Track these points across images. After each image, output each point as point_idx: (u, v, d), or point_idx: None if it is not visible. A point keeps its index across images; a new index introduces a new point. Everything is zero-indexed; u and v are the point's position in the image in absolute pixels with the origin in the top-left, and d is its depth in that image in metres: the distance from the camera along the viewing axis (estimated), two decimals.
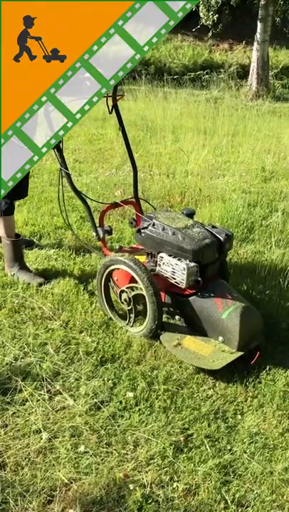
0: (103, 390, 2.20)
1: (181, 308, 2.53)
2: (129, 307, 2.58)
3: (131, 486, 1.76)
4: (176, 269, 2.44)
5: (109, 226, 2.89)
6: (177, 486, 1.78)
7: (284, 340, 2.60)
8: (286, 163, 6.13)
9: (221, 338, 2.36)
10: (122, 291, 2.60)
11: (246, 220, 4.17)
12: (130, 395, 2.17)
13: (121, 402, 2.13)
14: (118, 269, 2.59)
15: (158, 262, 2.54)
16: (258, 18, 11.09)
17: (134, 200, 3.06)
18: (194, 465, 1.86)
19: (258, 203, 4.66)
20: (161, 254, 2.52)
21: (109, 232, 2.86)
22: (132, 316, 2.58)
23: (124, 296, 2.59)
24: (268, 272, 3.24)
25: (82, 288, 3.00)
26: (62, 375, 2.28)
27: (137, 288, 2.51)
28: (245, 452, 1.92)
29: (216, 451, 1.92)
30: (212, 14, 11.00)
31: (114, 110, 2.92)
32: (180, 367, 2.37)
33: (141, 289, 2.47)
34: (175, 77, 13.43)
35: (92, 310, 2.78)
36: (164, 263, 2.51)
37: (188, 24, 14.77)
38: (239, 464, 1.88)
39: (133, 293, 2.53)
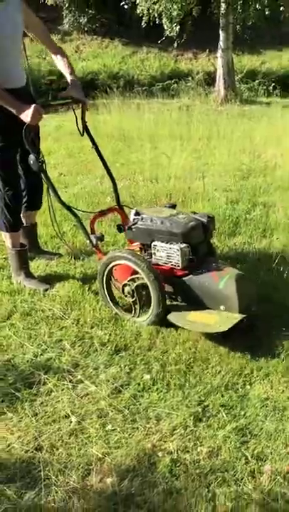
0: (121, 375, 2.37)
1: (181, 289, 2.71)
2: (134, 298, 2.75)
3: (160, 454, 1.93)
4: (170, 253, 2.67)
5: (101, 233, 3.09)
6: (201, 449, 1.95)
7: (278, 315, 2.80)
8: (261, 161, 6.42)
9: (222, 307, 2.54)
10: (125, 285, 2.77)
11: (231, 215, 4.40)
12: (147, 377, 2.34)
13: (139, 384, 2.31)
14: (117, 265, 2.78)
15: (152, 251, 2.76)
16: (219, 27, 11.51)
17: (117, 207, 3.25)
18: (214, 431, 2.04)
19: (239, 199, 4.92)
20: (154, 243, 2.75)
21: (101, 238, 3.04)
22: (138, 306, 2.76)
23: (127, 289, 2.76)
24: (258, 259, 3.47)
25: (86, 289, 3.17)
26: (82, 366, 2.44)
27: (138, 278, 2.69)
28: (258, 415, 2.11)
29: (231, 417, 2.11)
30: (175, 25, 11.35)
31: (86, 131, 3.09)
32: (189, 348, 2.55)
33: (142, 279, 2.66)
34: (144, 88, 13.79)
35: (99, 307, 2.95)
36: (158, 250, 2.73)
37: (151, 36, 15.22)
38: (254, 425, 2.07)
39: (135, 284, 2.71)
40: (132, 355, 2.51)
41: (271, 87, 14.31)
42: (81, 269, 3.46)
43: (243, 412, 2.14)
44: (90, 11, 16.91)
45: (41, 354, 2.54)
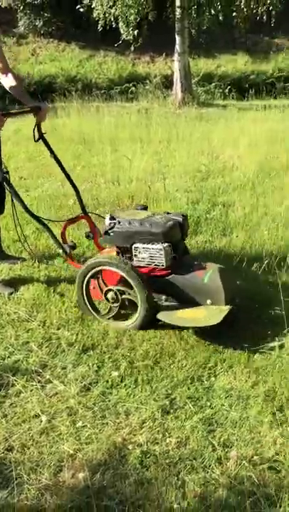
0: (89, 373, 2.40)
1: (165, 288, 2.73)
2: (117, 304, 2.76)
3: (130, 447, 1.98)
4: (153, 253, 2.69)
5: (72, 241, 3.09)
6: (170, 440, 2.02)
7: (241, 308, 2.90)
8: (219, 162, 6.59)
9: (208, 301, 2.60)
10: (108, 291, 2.77)
11: (192, 215, 4.50)
12: (115, 374, 2.39)
13: (108, 381, 2.35)
14: (100, 272, 2.77)
15: (134, 254, 2.75)
16: (175, 31, 11.71)
17: (83, 215, 3.27)
18: (181, 422, 2.11)
19: (199, 199, 5.04)
20: (135, 245, 2.74)
21: (74, 247, 3.06)
22: (118, 310, 2.78)
23: (110, 294, 2.76)
24: (221, 256, 3.58)
25: (51, 291, 3.19)
26: (50, 366, 2.46)
27: (122, 284, 2.70)
28: (223, 405, 2.20)
29: (198, 408, 2.18)
30: (132, 29, 11.47)
31: (42, 140, 3.09)
32: (156, 344, 2.62)
33: (125, 285, 2.67)
34: (103, 91, 13.84)
35: (65, 308, 2.97)
36: (139, 252, 2.73)
37: (108, 40, 15.29)
38: (220, 415, 2.15)
39: (119, 288, 2.72)
40: (100, 354, 2.55)
41: (227, 90, 14.68)
42: (45, 272, 3.47)
43: (208, 403, 2.21)
44: (46, 14, 16.82)
45: (8, 356, 2.54)
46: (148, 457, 1.94)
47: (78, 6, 13.54)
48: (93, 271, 2.77)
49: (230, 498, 1.77)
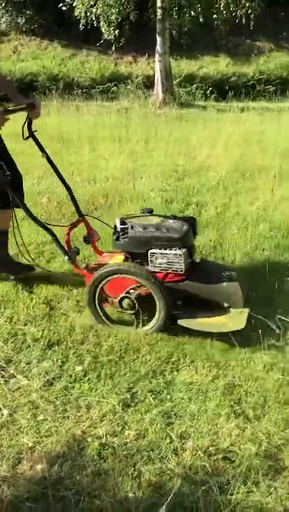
0: (53, 368, 2.43)
1: (182, 293, 2.68)
2: (134, 310, 2.69)
3: (89, 439, 2.02)
4: (171, 259, 2.65)
5: (75, 247, 3.01)
6: (129, 433, 2.06)
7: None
8: (196, 162, 6.66)
9: (226, 304, 2.63)
10: (123, 298, 2.69)
11: (166, 214, 4.55)
12: (79, 368, 2.42)
13: (71, 376, 2.38)
14: (110, 280, 2.69)
15: (150, 259, 2.69)
16: (156, 32, 11.77)
17: (82, 218, 3.11)
18: (141, 415, 2.15)
19: (174, 199, 5.10)
20: (151, 251, 2.68)
21: (78, 252, 3.01)
22: (140, 317, 2.71)
23: (126, 302, 2.69)
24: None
25: (20, 288, 3.20)
26: (14, 361, 2.49)
27: (138, 289, 2.67)
28: (183, 399, 2.25)
29: (158, 401, 2.23)
30: (113, 29, 11.50)
31: (32, 138, 2.96)
32: (122, 340, 2.66)
33: (142, 289, 2.64)
34: (84, 90, 13.84)
35: (33, 305, 3.00)
36: (156, 258, 2.68)
37: (90, 39, 15.28)
38: (179, 408, 2.20)
39: (136, 295, 2.66)
40: (65, 349, 2.58)
41: (208, 91, 14.81)
42: None
43: (169, 396, 2.26)
44: (28, 12, 16.74)
45: None
46: (106, 449, 1.98)
47: (60, 5, 13.52)
48: (108, 279, 2.69)
49: (184, 487, 1.82)
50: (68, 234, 2.97)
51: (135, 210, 4.70)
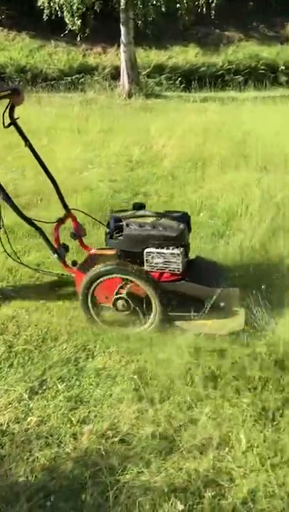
0: None
1: (178, 293, 2.61)
2: (130, 310, 2.63)
3: None
4: (168, 258, 2.55)
5: (64, 243, 2.87)
6: (31, 419, 2.08)
7: None
8: (152, 152, 6.66)
9: (222, 304, 2.55)
10: (117, 299, 2.62)
11: (111, 204, 4.57)
12: None
13: None
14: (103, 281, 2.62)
15: (146, 259, 2.58)
16: (120, 22, 11.70)
17: (69, 213, 2.94)
18: (47, 401, 2.18)
19: (122, 189, 5.11)
20: (147, 250, 2.56)
21: (67, 249, 2.88)
22: (140, 315, 2.64)
23: (120, 303, 2.63)
24: None
25: None
26: None
27: (131, 289, 2.60)
28: (91, 384, 2.28)
29: (66, 387, 2.26)
30: (76, 19, 11.38)
31: (14, 126, 2.77)
32: (41, 330, 2.67)
33: (136, 289, 2.58)
34: (52, 82, 13.71)
35: None
36: (153, 257, 2.57)
37: (57, 30, 15.09)
38: (85, 393, 2.23)
39: (130, 295, 2.60)
40: None
41: (178, 82, 14.80)
42: None
43: (78, 383, 2.29)
44: None
45: None
46: (5, 436, 2.00)
47: None
48: (101, 279, 2.62)
49: (75, 469, 1.85)
50: (57, 230, 2.82)
51: (82, 200, 4.72)
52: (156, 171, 5.72)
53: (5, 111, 2.73)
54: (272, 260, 3.41)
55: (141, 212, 2.74)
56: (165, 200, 4.71)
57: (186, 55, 16.24)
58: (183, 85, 14.54)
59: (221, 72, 15.46)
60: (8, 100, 2.73)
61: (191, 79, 14.91)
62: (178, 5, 11.71)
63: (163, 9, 11.25)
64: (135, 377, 2.29)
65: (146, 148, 6.85)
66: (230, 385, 2.26)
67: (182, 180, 5.34)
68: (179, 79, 14.87)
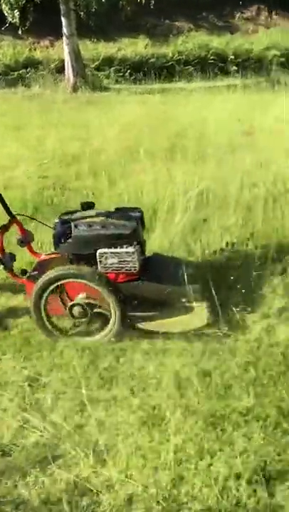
0: None
1: (136, 293, 2.50)
2: (87, 317, 2.49)
3: None
4: (123, 257, 2.43)
5: (10, 252, 2.74)
6: None
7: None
8: (90, 146, 6.54)
9: (183, 300, 2.48)
10: (73, 306, 2.48)
11: (35, 202, 4.45)
12: None
13: None
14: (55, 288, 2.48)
15: (99, 260, 2.45)
16: (60, 14, 11.47)
17: (13, 219, 2.81)
18: None
19: (51, 186, 4.99)
20: (100, 251, 2.44)
21: (14, 258, 2.74)
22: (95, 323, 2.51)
23: (77, 309, 2.48)
24: None
25: None
26: None
27: (90, 295, 2.47)
28: None
29: None
30: (16, 12, 11.08)
31: None
32: None
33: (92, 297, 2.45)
34: None
35: None
36: (106, 257, 2.44)
37: (1, 24, 14.69)
38: None
39: (87, 301, 2.47)
40: None
41: (127, 74, 14.69)
42: None
43: None
44: None
45: None
46: None
47: None
48: (53, 286, 2.45)
49: None
50: (1, 238, 2.68)
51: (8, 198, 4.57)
52: (91, 166, 5.60)
53: None
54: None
55: (89, 212, 2.61)
56: (93, 195, 4.60)
57: (136, 47, 16.10)
58: (132, 77, 14.44)
59: (170, 63, 15.41)
60: None
61: (140, 71, 14.84)
62: None
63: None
64: (25, 384, 2.20)
65: (85, 143, 6.73)
66: (126, 385, 2.21)
67: (114, 174, 5.25)
68: (128, 71, 14.76)
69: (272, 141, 5.78)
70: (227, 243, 3.38)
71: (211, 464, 1.83)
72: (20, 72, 13.96)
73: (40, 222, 3.00)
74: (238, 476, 1.78)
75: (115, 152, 6.05)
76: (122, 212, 2.61)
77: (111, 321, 2.47)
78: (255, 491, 1.74)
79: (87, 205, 2.66)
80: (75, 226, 2.48)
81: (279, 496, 1.73)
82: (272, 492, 1.74)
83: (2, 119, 7.93)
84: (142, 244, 2.56)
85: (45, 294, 2.45)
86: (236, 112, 8.12)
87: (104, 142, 6.60)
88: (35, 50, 15.77)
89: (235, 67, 15.01)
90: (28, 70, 13.94)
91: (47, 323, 2.51)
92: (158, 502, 1.69)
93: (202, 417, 2.01)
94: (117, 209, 2.70)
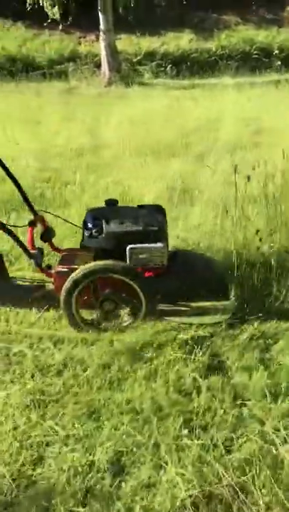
0: None
1: (163, 286, 2.59)
2: (117, 310, 2.58)
3: None
4: (153, 253, 2.50)
5: (39, 247, 2.76)
6: None
7: None
8: (100, 141, 6.66)
9: (209, 295, 2.56)
10: (103, 300, 2.57)
11: (32, 193, 4.63)
12: None
13: None
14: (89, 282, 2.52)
15: (129, 255, 2.51)
16: (98, 9, 11.67)
17: (38, 215, 2.83)
18: None
19: (46, 179, 5.18)
20: (131, 246, 2.49)
21: (42, 253, 2.78)
22: (125, 313, 2.58)
23: (107, 304, 2.57)
24: None
25: None
26: None
27: (119, 287, 2.54)
28: None
29: None
30: (58, 8, 11.41)
31: None
32: None
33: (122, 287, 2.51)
34: (42, 71, 13.82)
35: None
36: (136, 253, 2.51)
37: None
38: None
39: (118, 293, 2.56)
40: None
41: (169, 69, 14.71)
42: None
43: None
44: None
45: None
46: None
47: None
48: (87, 280, 2.49)
49: None
50: (31, 233, 2.72)
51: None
52: (92, 161, 5.75)
53: None
54: None
55: (117, 209, 2.69)
56: (81, 189, 4.75)
57: (180, 41, 16.06)
58: (173, 72, 14.44)
59: (213, 58, 15.26)
60: None
61: (182, 65, 14.81)
62: None
63: None
64: None
65: (94, 137, 6.87)
66: (24, 370, 2.35)
67: (108, 170, 5.37)
68: (170, 66, 14.76)
69: None
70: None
71: (73, 449, 1.95)
72: (63, 66, 14.34)
73: (63, 219, 3.04)
74: (91, 464, 1.88)
75: (122, 147, 6.16)
76: (148, 210, 2.67)
77: (139, 313, 2.55)
78: (103, 478, 1.83)
79: (111, 202, 2.71)
80: (107, 222, 2.54)
81: (128, 487, 1.81)
82: (122, 480, 1.82)
83: (25, 113, 8.22)
84: (167, 240, 2.62)
85: (77, 290, 2.51)
86: (261, 110, 8.00)
87: (112, 137, 6.72)
88: (80, 44, 16.15)
89: (279, 62, 14.62)
90: (70, 64, 14.30)
91: (77, 317, 2.58)
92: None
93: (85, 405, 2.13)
94: (139, 206, 2.75)
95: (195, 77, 13.95)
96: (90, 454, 1.92)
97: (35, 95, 10.45)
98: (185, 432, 2.00)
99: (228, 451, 1.94)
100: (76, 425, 2.05)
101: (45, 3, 11.41)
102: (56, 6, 11.35)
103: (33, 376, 2.33)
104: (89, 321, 2.62)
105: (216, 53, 15.38)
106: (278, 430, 2.00)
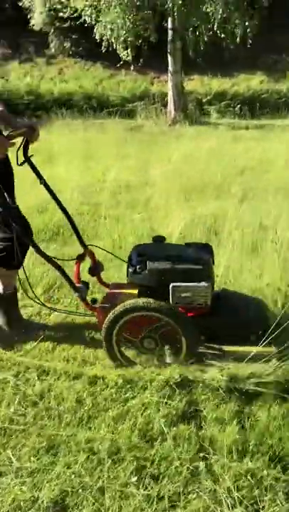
0: None
1: (207, 328, 2.55)
2: (157, 349, 2.56)
3: None
4: (197, 292, 2.45)
5: (84, 281, 2.76)
6: None
7: None
8: (143, 177, 6.83)
9: (253, 337, 2.48)
10: (144, 338, 2.55)
11: (60, 225, 4.87)
12: None
13: None
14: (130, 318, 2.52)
15: (172, 293, 2.45)
16: (167, 52, 12.13)
17: (87, 249, 2.86)
18: None
19: (83, 212, 5.39)
20: (174, 284, 2.44)
21: (88, 287, 2.78)
22: (167, 350, 2.54)
23: (147, 341, 2.56)
24: None
25: None
26: None
27: (160, 326, 2.51)
28: None
29: None
30: (130, 51, 12.02)
31: (28, 164, 2.63)
32: None
33: (163, 326, 2.50)
34: (114, 109, 14.51)
35: None
36: (179, 291, 2.45)
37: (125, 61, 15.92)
38: None
39: (159, 332, 2.53)
40: None
41: (237, 109, 14.84)
42: None
43: None
44: (74, 36, 17.84)
45: None
46: None
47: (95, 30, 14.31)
48: (126, 318, 2.50)
49: None
50: (78, 267, 2.75)
51: (33, 222, 5.03)
52: (134, 197, 5.91)
53: (19, 148, 2.60)
54: None
55: (163, 246, 2.68)
56: (114, 223, 4.88)
57: (251, 82, 16.20)
58: (241, 112, 14.54)
59: (283, 100, 15.19)
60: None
61: (250, 106, 14.88)
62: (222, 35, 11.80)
63: (205, 39, 11.46)
64: None
65: (142, 175, 7.03)
66: (2, 397, 2.44)
67: (145, 206, 5.47)
68: (238, 106, 14.89)
69: None
70: None
71: (23, 483, 1.98)
72: (134, 104, 14.95)
73: (112, 254, 3.09)
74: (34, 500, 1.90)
75: (163, 185, 6.25)
76: (195, 248, 2.65)
77: (181, 354, 2.52)
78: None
79: (158, 239, 2.69)
80: (150, 259, 2.51)
81: None
82: None
83: (83, 147, 8.61)
84: (213, 280, 2.58)
85: (119, 324, 2.52)
86: None
87: (159, 175, 6.85)
88: (152, 84, 16.80)
89: None
90: (141, 102, 14.88)
91: (118, 353, 2.60)
92: None
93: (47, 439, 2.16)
94: (187, 244, 2.74)
95: (262, 117, 13.92)
96: (37, 490, 1.94)
97: (101, 132, 10.95)
98: (134, 479, 1.97)
99: (173, 507, 1.87)
100: (32, 458, 2.09)
101: (118, 46, 12.07)
102: (129, 49, 11.95)
103: (9, 404, 2.41)
104: (130, 357, 2.63)
105: (286, 95, 15.31)
106: (231, 491, 1.90)
